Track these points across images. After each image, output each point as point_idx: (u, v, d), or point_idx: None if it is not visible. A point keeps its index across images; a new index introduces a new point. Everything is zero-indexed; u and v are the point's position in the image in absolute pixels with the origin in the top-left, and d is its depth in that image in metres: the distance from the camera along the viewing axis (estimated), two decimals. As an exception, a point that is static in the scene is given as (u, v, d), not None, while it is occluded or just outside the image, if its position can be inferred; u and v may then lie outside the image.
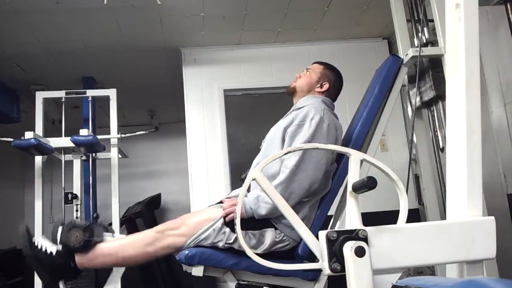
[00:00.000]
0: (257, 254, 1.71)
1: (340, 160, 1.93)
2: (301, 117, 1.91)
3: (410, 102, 2.52)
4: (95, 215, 3.98)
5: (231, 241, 1.77)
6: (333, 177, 1.92)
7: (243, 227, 1.75)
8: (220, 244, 1.78)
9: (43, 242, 1.79)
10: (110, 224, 4.30)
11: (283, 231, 1.78)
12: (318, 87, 2.11)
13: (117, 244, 1.84)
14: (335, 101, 2.17)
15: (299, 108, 2.01)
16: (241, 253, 1.67)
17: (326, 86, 2.12)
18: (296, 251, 1.81)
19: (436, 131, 2.39)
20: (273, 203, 1.40)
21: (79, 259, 1.77)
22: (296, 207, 1.79)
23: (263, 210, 1.75)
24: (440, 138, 2.38)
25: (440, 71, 2.23)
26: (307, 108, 1.94)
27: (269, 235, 1.78)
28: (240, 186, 2.07)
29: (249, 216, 1.78)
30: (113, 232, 1.94)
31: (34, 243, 1.76)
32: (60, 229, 1.82)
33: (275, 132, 2.01)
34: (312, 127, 1.86)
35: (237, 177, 3.96)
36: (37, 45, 3.70)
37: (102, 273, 3.68)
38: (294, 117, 1.95)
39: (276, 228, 1.78)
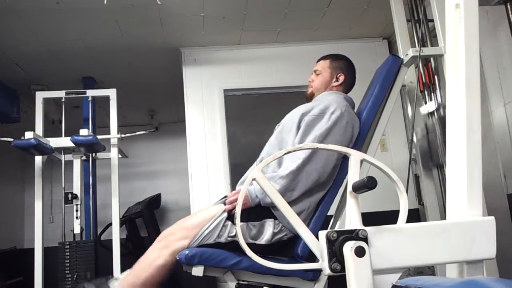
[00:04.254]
0: (258, 246, 1.74)
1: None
2: (322, 108, 1.90)
3: (411, 103, 2.52)
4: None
5: (233, 234, 1.78)
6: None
7: (244, 218, 1.77)
8: (223, 239, 1.78)
9: None
10: (108, 225, 4.29)
11: (282, 222, 1.79)
12: (334, 82, 2.10)
13: (129, 277, 1.80)
14: (353, 87, 2.17)
15: (320, 100, 2.01)
16: (242, 252, 1.67)
17: (341, 77, 2.11)
18: (296, 250, 1.81)
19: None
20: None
21: None
22: (298, 198, 1.80)
23: (269, 199, 1.76)
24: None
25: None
26: (329, 102, 1.94)
27: (269, 226, 1.79)
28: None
29: (255, 204, 1.79)
30: (113, 277, 1.89)
31: None
32: None
33: (292, 116, 2.00)
34: (331, 121, 1.85)
35: (237, 177, 3.96)
36: (37, 45, 3.70)
37: (102, 273, 3.69)
38: (314, 106, 1.95)
39: (275, 218, 1.79)
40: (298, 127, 1.92)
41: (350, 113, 1.93)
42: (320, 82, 2.12)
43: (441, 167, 2.46)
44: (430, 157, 2.49)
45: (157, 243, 1.83)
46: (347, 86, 2.14)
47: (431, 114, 2.54)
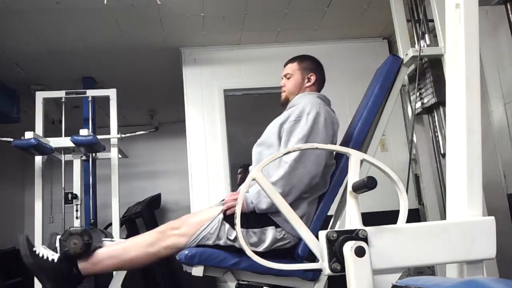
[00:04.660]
0: (257, 252, 1.74)
1: (340, 160, 1.93)
2: (298, 113, 1.91)
3: (410, 103, 2.51)
4: (91, 221, 3.96)
5: (232, 237, 1.77)
6: (333, 177, 1.92)
7: (244, 225, 1.76)
8: (222, 242, 1.78)
9: (44, 251, 1.77)
10: (108, 225, 4.29)
11: (285, 228, 1.78)
12: (307, 83, 2.10)
13: (119, 247, 1.84)
14: (324, 83, 2.17)
15: (294, 105, 2.01)
16: (242, 253, 1.67)
17: (313, 77, 2.11)
18: (296, 251, 1.81)
19: (437, 136, 2.38)
20: None
21: (82, 265, 1.77)
22: (295, 203, 1.79)
23: (263, 205, 1.76)
24: (441, 143, 2.35)
25: (440, 74, 2.22)
26: (303, 104, 1.94)
27: (270, 233, 1.78)
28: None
29: (250, 210, 1.78)
30: (111, 236, 1.93)
31: (35, 252, 1.74)
32: (57, 240, 1.80)
33: (270, 130, 2.01)
34: (309, 122, 1.86)
35: (235, 177, 3.98)
36: (37, 45, 3.70)
37: (102, 278, 3.68)
38: (290, 113, 1.95)
39: (277, 226, 1.79)
40: (279, 137, 1.93)
41: (326, 110, 1.94)
42: (292, 85, 2.11)
43: (441, 167, 2.44)
44: (430, 156, 2.48)
45: (157, 230, 1.84)
46: (320, 84, 2.14)
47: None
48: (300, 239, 1.79)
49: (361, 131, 1.96)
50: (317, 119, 1.87)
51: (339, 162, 1.93)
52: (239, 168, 4.22)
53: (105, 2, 3.01)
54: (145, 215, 5.41)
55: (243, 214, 1.77)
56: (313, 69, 2.12)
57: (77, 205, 3.89)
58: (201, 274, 1.76)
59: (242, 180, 3.89)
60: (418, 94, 2.37)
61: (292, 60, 2.17)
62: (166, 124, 6.09)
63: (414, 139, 2.51)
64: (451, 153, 1.26)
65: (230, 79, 3.99)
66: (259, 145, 2.04)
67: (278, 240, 1.79)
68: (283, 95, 2.15)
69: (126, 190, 4.86)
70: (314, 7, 3.50)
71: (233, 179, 3.83)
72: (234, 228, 1.76)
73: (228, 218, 1.79)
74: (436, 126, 2.37)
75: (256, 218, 1.79)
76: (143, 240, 1.83)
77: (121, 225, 4.15)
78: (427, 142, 2.51)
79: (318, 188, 1.87)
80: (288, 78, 2.13)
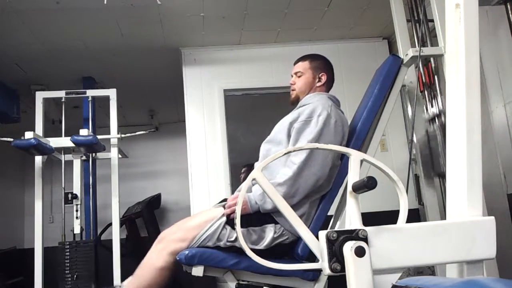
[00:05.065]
0: (258, 249, 1.74)
1: (341, 160, 1.93)
2: (308, 113, 1.90)
3: (411, 103, 2.51)
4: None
5: (233, 239, 1.77)
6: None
7: (244, 224, 1.76)
8: (222, 243, 1.78)
9: None
10: (108, 225, 4.29)
11: (284, 225, 1.79)
12: (317, 82, 2.09)
13: (133, 283, 1.81)
14: (333, 83, 2.16)
15: (305, 105, 2.00)
16: (242, 253, 1.67)
17: (324, 77, 2.09)
18: (296, 250, 1.81)
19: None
20: None
21: None
22: (298, 203, 1.79)
23: (269, 205, 1.76)
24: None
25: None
26: (314, 105, 1.93)
27: (270, 231, 1.78)
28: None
29: (254, 211, 1.79)
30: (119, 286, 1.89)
31: None
32: None
33: (279, 128, 2.00)
34: (320, 123, 1.85)
35: (237, 177, 3.97)
36: (37, 45, 3.70)
37: (102, 273, 3.69)
38: (300, 112, 1.94)
39: (276, 223, 1.79)
40: (289, 135, 1.92)
41: (337, 112, 1.93)
42: (303, 84, 2.10)
43: (442, 176, 2.43)
44: (432, 166, 2.48)
45: (156, 245, 1.83)
46: (329, 84, 2.13)
47: (432, 120, 2.52)
48: (298, 236, 1.79)
49: (361, 131, 1.96)
50: (327, 121, 1.86)
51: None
52: (243, 168, 4.21)
53: (105, 2, 3.01)
54: (145, 215, 5.41)
55: (246, 214, 1.78)
56: (324, 69, 2.11)
57: (77, 205, 3.89)
58: (201, 274, 1.76)
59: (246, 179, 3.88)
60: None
61: (303, 59, 2.15)
62: (166, 124, 6.09)
63: (414, 139, 2.51)
64: (451, 153, 1.26)
65: (230, 79, 3.99)
66: (267, 142, 2.03)
67: (277, 237, 1.79)
68: (293, 93, 2.13)
69: (126, 190, 4.86)
70: (314, 7, 3.50)
71: (233, 179, 3.83)
72: (235, 229, 1.76)
73: (231, 221, 1.79)
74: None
75: (257, 217, 1.80)
76: (147, 261, 1.81)
77: (121, 225, 4.15)
78: (427, 143, 2.51)
79: (322, 189, 1.88)
80: (299, 77, 2.11)
